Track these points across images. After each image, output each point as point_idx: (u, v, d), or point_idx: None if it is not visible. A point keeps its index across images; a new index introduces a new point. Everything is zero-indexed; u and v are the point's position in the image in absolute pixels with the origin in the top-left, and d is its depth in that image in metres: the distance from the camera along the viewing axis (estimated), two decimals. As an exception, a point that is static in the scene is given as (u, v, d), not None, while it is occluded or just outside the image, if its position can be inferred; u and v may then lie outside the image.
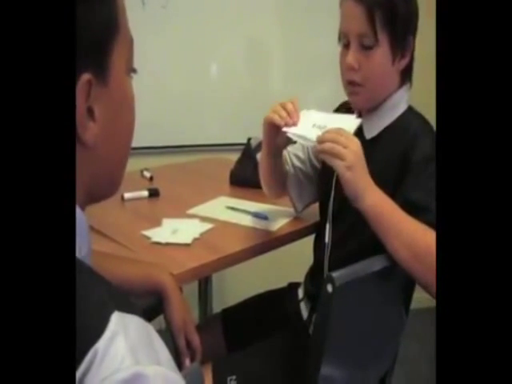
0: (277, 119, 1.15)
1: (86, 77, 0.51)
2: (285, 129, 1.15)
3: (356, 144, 1.05)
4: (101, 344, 0.45)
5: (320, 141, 1.06)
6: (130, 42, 0.60)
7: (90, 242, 0.63)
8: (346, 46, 1.18)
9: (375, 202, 1.05)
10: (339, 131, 1.07)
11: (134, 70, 0.61)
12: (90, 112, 0.54)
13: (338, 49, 1.23)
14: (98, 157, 0.57)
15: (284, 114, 1.15)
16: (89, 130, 0.54)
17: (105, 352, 0.44)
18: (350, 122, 1.13)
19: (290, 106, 1.16)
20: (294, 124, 1.15)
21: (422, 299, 1.45)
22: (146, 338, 0.49)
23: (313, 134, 1.09)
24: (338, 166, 1.03)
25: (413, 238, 1.03)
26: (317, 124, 1.13)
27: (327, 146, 1.04)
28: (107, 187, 0.64)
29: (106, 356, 0.44)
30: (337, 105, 1.39)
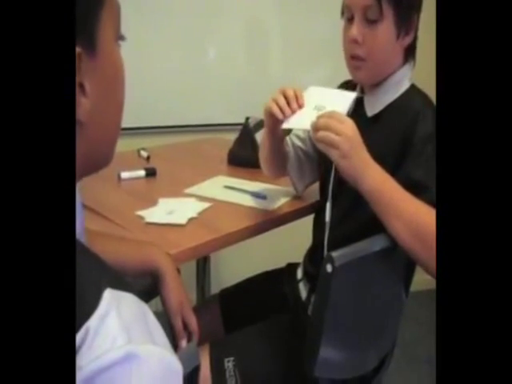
0: (275, 111, 1.12)
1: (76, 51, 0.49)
2: (283, 125, 1.14)
3: (350, 127, 1.02)
4: (92, 322, 0.43)
5: (314, 128, 1.04)
6: (117, 7, 0.57)
7: (83, 220, 0.60)
8: (350, 20, 1.15)
9: (375, 183, 1.03)
10: (332, 115, 1.04)
11: (122, 37, 0.58)
12: (81, 87, 0.51)
13: (337, 31, 1.21)
14: (91, 132, 0.55)
15: (282, 101, 1.12)
16: (81, 107, 0.51)
17: (96, 330, 0.43)
18: (345, 99, 1.12)
19: (290, 93, 1.12)
20: (294, 111, 1.12)
21: (421, 281, 1.44)
22: (140, 317, 0.47)
23: (309, 121, 1.06)
24: (333, 155, 1.02)
25: (414, 217, 1.00)
26: (318, 105, 1.12)
27: (320, 134, 1.02)
28: (99, 161, 0.62)
29: (97, 334, 0.42)
30: (335, 86, 1.36)
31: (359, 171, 1.03)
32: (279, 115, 1.12)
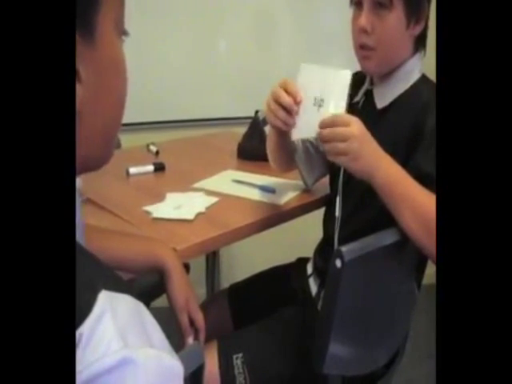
0: (280, 125, 1.08)
1: None
2: (292, 137, 1.13)
3: (355, 128, 1.00)
4: (86, 327, 0.41)
5: (321, 140, 1.03)
6: (120, 3, 0.55)
7: (80, 216, 0.59)
8: (359, 8, 1.13)
9: (387, 176, 1.02)
10: (335, 121, 1.01)
11: (126, 33, 0.56)
12: (76, 73, 0.49)
13: (347, 22, 1.18)
14: (85, 123, 0.53)
15: (282, 114, 1.07)
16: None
17: (90, 335, 0.41)
18: (342, 81, 1.06)
19: (285, 100, 1.06)
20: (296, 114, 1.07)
21: (432, 274, 1.41)
22: (137, 319, 0.45)
23: (314, 128, 1.03)
24: (343, 162, 1.02)
25: (424, 208, 0.98)
26: (317, 98, 1.06)
27: (327, 148, 1.01)
28: (97, 156, 0.59)
29: (91, 340, 0.41)
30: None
31: (370, 168, 1.01)
32: (285, 128, 1.09)
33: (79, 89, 0.50)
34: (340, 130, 1.00)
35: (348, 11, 1.19)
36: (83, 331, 0.40)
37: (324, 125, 1.02)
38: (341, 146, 0.99)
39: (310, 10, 2.47)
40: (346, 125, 1.00)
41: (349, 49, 1.21)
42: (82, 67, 0.50)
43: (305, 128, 1.08)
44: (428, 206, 0.98)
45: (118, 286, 0.46)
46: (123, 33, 0.56)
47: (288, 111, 1.06)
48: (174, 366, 0.45)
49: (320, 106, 1.06)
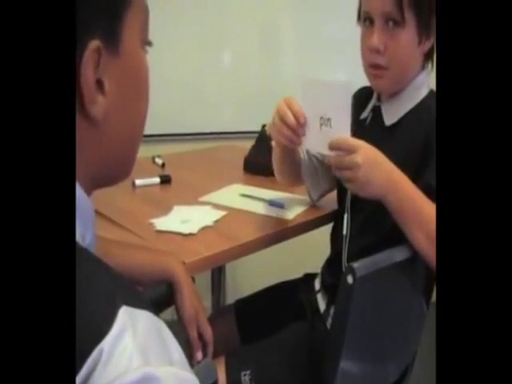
0: (283, 142, 1.10)
1: (94, 43, 0.47)
2: (303, 147, 1.16)
3: (361, 156, 0.98)
4: (106, 342, 0.40)
5: (328, 164, 1.04)
6: (145, 11, 0.54)
7: (94, 230, 0.58)
8: (369, 27, 1.11)
9: (399, 196, 1.01)
10: (340, 145, 1.00)
11: (150, 43, 0.56)
12: (100, 84, 0.49)
13: (352, 33, 1.17)
14: (108, 135, 0.52)
15: (287, 132, 1.07)
16: (97, 104, 0.49)
17: (111, 351, 0.39)
18: (345, 97, 1.01)
19: (291, 121, 1.06)
20: (303, 131, 1.08)
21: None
22: (157, 336, 0.44)
23: (322, 147, 1.04)
24: (352, 189, 1.04)
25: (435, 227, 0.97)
26: (323, 117, 1.04)
27: (337, 175, 1.03)
28: (117, 170, 0.59)
29: (112, 356, 0.39)
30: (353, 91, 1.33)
31: (380, 192, 1.01)
32: (290, 146, 1.12)
33: (103, 101, 0.49)
34: (345, 159, 0.99)
35: (353, 22, 1.17)
36: (104, 347, 0.39)
37: (331, 148, 1.01)
38: (347, 173, 0.99)
39: (315, 22, 2.47)
40: (352, 151, 0.98)
41: (354, 60, 1.20)
42: (106, 78, 0.49)
43: (313, 143, 1.08)
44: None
45: (138, 301, 0.45)
46: (147, 43, 0.56)
47: (293, 130, 1.07)
48: (192, 381, 0.44)
49: (325, 124, 1.04)
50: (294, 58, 2.57)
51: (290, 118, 1.06)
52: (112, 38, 0.49)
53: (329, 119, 1.03)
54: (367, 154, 0.99)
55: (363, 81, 1.22)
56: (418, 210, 1.00)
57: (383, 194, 1.01)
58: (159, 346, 0.43)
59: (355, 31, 1.17)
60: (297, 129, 1.06)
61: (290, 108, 1.07)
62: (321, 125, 1.04)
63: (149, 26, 0.56)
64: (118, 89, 0.51)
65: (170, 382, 0.40)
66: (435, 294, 1.23)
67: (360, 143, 0.99)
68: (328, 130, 1.03)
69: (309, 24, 2.48)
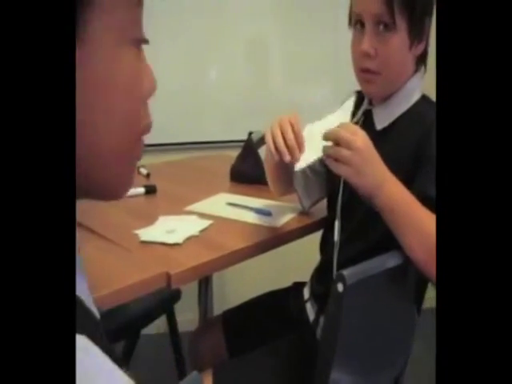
0: (275, 157, 1.06)
1: None
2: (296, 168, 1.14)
3: (362, 139, 0.97)
4: None
5: (324, 138, 0.99)
6: (127, 5, 0.45)
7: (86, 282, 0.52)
8: (360, 31, 1.09)
9: (390, 197, 0.98)
10: (343, 125, 1.00)
11: (145, 41, 0.49)
12: None
13: (337, 47, 1.16)
14: (85, 148, 0.44)
15: (284, 149, 1.04)
16: None
17: None
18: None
19: (292, 143, 1.04)
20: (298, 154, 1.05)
21: (427, 298, 1.37)
22: None
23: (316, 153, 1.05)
24: (345, 172, 0.97)
25: (429, 232, 0.94)
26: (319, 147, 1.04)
27: (330, 151, 0.98)
28: (104, 187, 0.51)
29: None
30: (337, 101, 1.33)
31: (373, 187, 0.98)
32: (282, 160, 1.06)
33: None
34: (347, 134, 0.97)
35: (338, 36, 1.16)
36: None
37: (327, 138, 0.99)
38: (344, 152, 0.96)
39: (301, 36, 2.47)
40: (353, 134, 0.97)
41: (339, 73, 1.19)
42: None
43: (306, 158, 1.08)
44: (432, 229, 0.94)
45: None
46: (140, 41, 0.48)
47: (288, 147, 1.04)
48: None
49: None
50: (279, 69, 2.56)
51: (292, 141, 1.04)
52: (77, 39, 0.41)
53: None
54: (367, 142, 0.98)
55: (348, 93, 1.23)
56: (411, 213, 0.97)
57: (375, 187, 0.97)
58: None
59: (340, 46, 1.16)
60: (294, 152, 1.04)
61: (292, 126, 1.05)
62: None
63: (141, 22, 0.48)
64: (88, 97, 0.43)
65: None
66: (428, 300, 1.22)
67: (361, 130, 0.99)
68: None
69: (295, 37, 2.48)
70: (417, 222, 0.97)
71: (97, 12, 0.42)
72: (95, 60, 0.43)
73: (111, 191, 0.52)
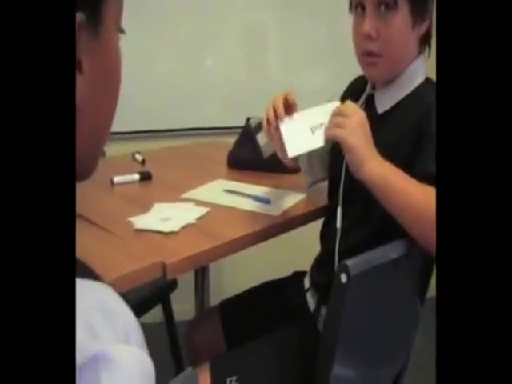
0: (265, 124, 1.10)
1: (78, 16, 0.43)
2: (289, 156, 1.09)
3: (358, 114, 0.99)
4: None
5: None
6: None
7: None
8: (360, 14, 1.06)
9: (377, 169, 0.97)
10: (347, 104, 1.02)
11: (122, 30, 0.52)
12: (78, 63, 0.45)
13: (334, 33, 1.14)
14: (81, 124, 0.47)
15: (271, 115, 1.09)
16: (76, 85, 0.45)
17: None
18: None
19: (280, 111, 1.08)
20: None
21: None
22: (104, 308, 0.40)
23: (315, 141, 1.06)
24: (339, 134, 0.98)
25: (423, 205, 0.92)
26: (313, 126, 1.07)
27: (330, 130, 1.01)
28: (84, 165, 0.53)
29: None
30: (334, 88, 1.30)
31: (363, 154, 0.97)
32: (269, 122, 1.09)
33: (80, 81, 0.45)
34: (345, 108, 1.01)
35: (336, 22, 1.13)
36: None
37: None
38: (341, 118, 0.99)
39: (298, 21, 2.44)
40: (355, 113, 1.00)
41: (336, 59, 1.17)
42: (85, 58, 0.46)
43: (299, 145, 1.07)
44: (425, 202, 0.91)
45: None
46: (120, 30, 0.52)
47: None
48: (150, 364, 0.39)
49: (318, 129, 1.06)
50: (276, 55, 2.53)
51: (280, 109, 1.08)
52: (95, 16, 0.46)
53: (321, 124, 1.05)
54: (363, 119, 1.00)
55: (346, 81, 1.24)
56: (403, 190, 0.95)
57: (361, 161, 0.97)
58: (107, 319, 0.37)
59: (337, 32, 1.13)
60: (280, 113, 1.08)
61: (285, 99, 1.09)
62: (312, 131, 1.05)
63: (122, 12, 0.53)
64: (96, 70, 0.48)
65: (127, 364, 0.34)
66: (431, 289, 1.18)
67: (360, 109, 1.02)
68: (321, 131, 1.05)
69: (292, 23, 2.45)
70: (405, 194, 0.95)
71: (110, 2, 0.48)
72: (110, 46, 0.49)
73: (90, 167, 0.54)
